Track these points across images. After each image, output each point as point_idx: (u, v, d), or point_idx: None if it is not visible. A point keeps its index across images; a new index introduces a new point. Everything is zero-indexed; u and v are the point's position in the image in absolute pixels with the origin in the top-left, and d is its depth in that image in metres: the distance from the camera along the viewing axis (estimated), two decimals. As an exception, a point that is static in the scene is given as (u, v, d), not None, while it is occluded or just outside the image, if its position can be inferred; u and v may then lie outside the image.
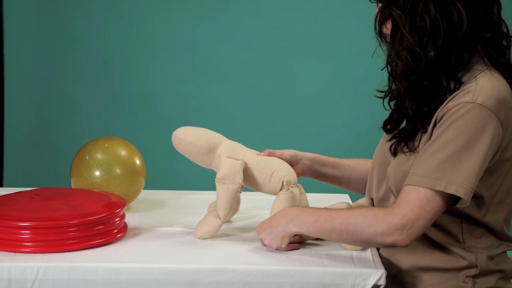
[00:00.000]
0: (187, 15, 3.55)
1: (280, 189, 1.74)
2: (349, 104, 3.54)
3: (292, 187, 1.75)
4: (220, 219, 1.73)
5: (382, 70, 1.67)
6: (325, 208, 1.63)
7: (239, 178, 1.72)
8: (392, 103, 1.70)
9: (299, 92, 3.56)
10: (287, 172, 1.76)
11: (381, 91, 1.70)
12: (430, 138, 1.55)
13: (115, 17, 3.56)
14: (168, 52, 3.58)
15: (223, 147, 1.78)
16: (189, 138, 1.78)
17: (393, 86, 1.66)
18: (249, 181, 1.78)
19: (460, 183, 1.47)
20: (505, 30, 1.60)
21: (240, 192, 1.75)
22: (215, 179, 1.73)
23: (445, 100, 1.55)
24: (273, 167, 1.76)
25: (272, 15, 3.55)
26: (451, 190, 1.47)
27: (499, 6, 1.58)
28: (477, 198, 1.56)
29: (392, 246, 1.52)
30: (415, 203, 1.48)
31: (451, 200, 1.50)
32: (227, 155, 1.76)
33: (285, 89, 3.58)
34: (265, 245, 1.65)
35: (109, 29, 3.57)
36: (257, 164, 1.77)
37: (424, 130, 1.57)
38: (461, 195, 1.47)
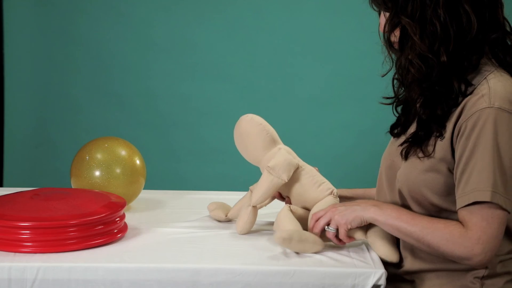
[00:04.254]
0: (187, 15, 3.55)
1: (325, 197, 1.79)
2: (349, 104, 3.54)
3: (336, 198, 1.79)
4: (250, 205, 1.77)
5: (383, 76, 1.67)
6: (406, 210, 1.63)
7: (286, 176, 1.76)
8: (397, 108, 1.71)
9: (299, 92, 3.56)
10: (334, 188, 1.82)
11: (388, 98, 1.70)
12: (451, 146, 1.55)
13: (115, 16, 3.56)
14: (168, 52, 3.58)
15: (284, 146, 1.85)
16: (260, 121, 1.85)
17: (399, 91, 1.66)
18: (293, 183, 1.80)
19: (504, 193, 1.49)
20: (508, 29, 1.60)
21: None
22: (266, 166, 1.77)
23: (458, 104, 1.55)
24: (323, 179, 1.82)
25: (272, 15, 3.55)
26: (500, 201, 1.49)
27: (502, 6, 1.59)
28: None
29: (470, 266, 1.55)
30: (482, 224, 1.49)
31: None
32: (287, 151, 1.83)
33: (285, 89, 3.58)
34: (325, 222, 1.66)
35: (109, 29, 3.57)
36: (310, 170, 1.82)
37: (438, 134, 1.57)
38: (509, 208, 1.50)
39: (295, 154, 1.86)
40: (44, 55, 3.61)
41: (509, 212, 1.51)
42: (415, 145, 1.61)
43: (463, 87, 1.55)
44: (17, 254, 1.58)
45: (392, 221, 1.58)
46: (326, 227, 1.66)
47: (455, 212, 1.56)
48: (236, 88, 3.59)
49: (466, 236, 1.50)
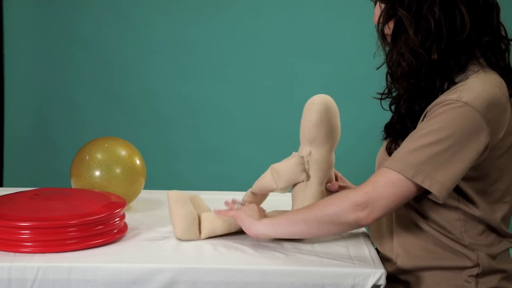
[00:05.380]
0: (187, 15, 3.56)
1: None
2: (349, 104, 3.53)
3: None
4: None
5: (377, 69, 1.67)
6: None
7: (282, 185, 1.75)
8: (391, 106, 1.71)
9: (299, 92, 3.56)
10: None
11: (381, 93, 1.71)
12: None
13: (115, 17, 3.57)
14: (168, 52, 3.58)
15: (314, 152, 1.77)
16: (313, 117, 1.76)
17: (392, 87, 1.67)
18: (291, 185, 1.78)
19: (430, 175, 1.49)
20: (503, 33, 1.61)
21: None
22: (272, 165, 1.75)
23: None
24: None
25: (272, 15, 3.55)
26: (418, 180, 1.49)
27: (498, 9, 1.60)
28: (469, 197, 1.57)
29: (354, 224, 1.54)
30: (379, 183, 1.51)
31: (421, 190, 1.52)
32: (312, 160, 1.75)
33: (285, 89, 3.58)
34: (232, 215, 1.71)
35: (109, 29, 3.57)
36: (312, 192, 1.76)
37: (413, 129, 1.58)
38: (426, 187, 1.49)
39: (323, 165, 1.77)
40: (44, 55, 3.61)
41: (423, 193, 1.52)
42: (394, 140, 1.62)
43: (445, 85, 1.57)
44: (17, 254, 1.58)
45: (279, 220, 1.63)
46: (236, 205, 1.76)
47: (438, 206, 1.58)
48: (236, 88, 3.59)
49: (355, 190, 1.53)
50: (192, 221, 1.71)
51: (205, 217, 1.73)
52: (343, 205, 1.53)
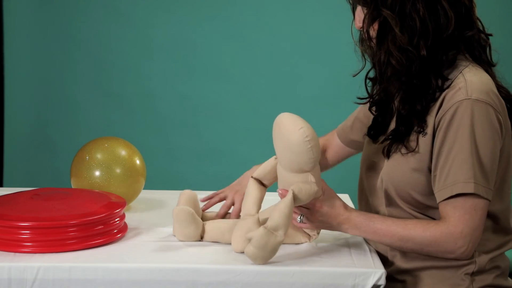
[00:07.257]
0: (187, 15, 3.55)
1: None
2: (349, 104, 3.53)
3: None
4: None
5: (354, 76, 1.68)
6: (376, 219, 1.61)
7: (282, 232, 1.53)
8: (371, 109, 1.72)
9: (299, 92, 3.57)
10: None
11: (362, 98, 1.72)
12: (432, 141, 1.57)
13: (114, 16, 3.56)
14: (167, 52, 3.58)
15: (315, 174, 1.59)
16: (319, 151, 1.56)
17: (374, 90, 1.68)
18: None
19: (486, 185, 1.52)
20: (481, 28, 1.64)
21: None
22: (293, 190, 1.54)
23: (435, 99, 1.57)
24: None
25: (272, 15, 3.55)
26: (484, 194, 1.52)
27: (475, 5, 1.62)
28: None
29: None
30: (465, 217, 1.52)
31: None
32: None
33: (285, 89, 3.58)
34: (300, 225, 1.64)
35: (109, 29, 3.57)
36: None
37: (420, 130, 1.58)
38: (489, 196, 1.52)
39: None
40: (44, 55, 3.61)
41: (489, 201, 1.54)
42: (397, 142, 1.62)
43: (439, 82, 1.58)
44: (17, 254, 1.58)
45: (370, 237, 1.61)
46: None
47: (436, 207, 1.58)
48: (236, 88, 3.59)
49: (448, 233, 1.53)
50: (193, 237, 1.70)
51: (210, 228, 1.71)
52: (443, 249, 1.55)
